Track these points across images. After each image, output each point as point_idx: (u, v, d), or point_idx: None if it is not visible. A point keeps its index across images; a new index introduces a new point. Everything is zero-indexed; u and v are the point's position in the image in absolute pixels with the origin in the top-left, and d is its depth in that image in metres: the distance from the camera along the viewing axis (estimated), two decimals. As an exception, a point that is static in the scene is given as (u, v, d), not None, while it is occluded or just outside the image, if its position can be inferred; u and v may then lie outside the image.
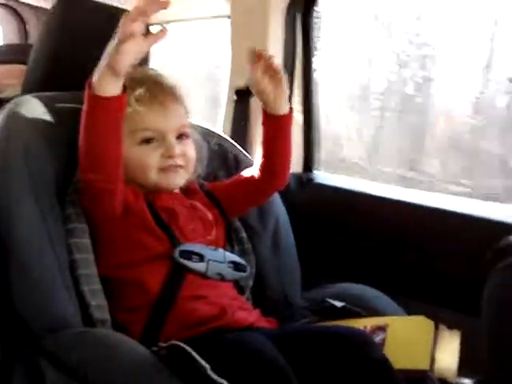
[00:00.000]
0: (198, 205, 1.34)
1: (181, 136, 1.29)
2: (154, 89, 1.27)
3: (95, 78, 1.10)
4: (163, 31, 1.08)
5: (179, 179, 1.30)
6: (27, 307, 1.15)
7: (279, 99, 1.29)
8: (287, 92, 1.29)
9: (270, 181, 1.39)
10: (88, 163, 1.16)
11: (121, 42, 1.05)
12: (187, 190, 1.36)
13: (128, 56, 1.06)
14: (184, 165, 1.29)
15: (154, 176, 1.26)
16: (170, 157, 1.26)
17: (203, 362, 0.98)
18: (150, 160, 1.25)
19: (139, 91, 1.25)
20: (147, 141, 1.25)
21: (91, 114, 1.12)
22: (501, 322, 0.76)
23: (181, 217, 1.28)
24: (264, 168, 1.37)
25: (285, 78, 1.27)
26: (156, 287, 1.19)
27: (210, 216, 1.34)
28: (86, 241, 1.22)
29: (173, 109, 1.28)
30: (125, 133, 1.22)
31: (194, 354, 1.00)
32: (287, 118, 1.32)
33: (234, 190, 1.40)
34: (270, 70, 1.24)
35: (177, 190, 1.34)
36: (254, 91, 1.29)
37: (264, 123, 1.33)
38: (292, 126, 1.35)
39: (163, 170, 1.26)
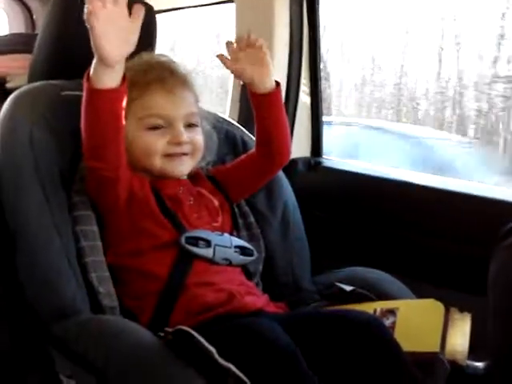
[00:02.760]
0: (204, 192, 1.34)
1: (189, 124, 1.28)
2: (164, 75, 1.26)
3: (91, 69, 1.09)
4: (139, 7, 1.07)
5: (184, 166, 1.29)
6: (36, 295, 1.17)
7: (261, 77, 1.27)
8: (270, 67, 1.27)
9: (270, 161, 1.37)
10: (89, 151, 1.17)
11: (90, 26, 1.05)
12: (194, 177, 1.36)
13: (107, 40, 1.05)
14: (191, 152, 1.28)
15: (158, 162, 1.25)
16: (178, 144, 1.25)
17: (209, 347, 0.98)
18: (156, 146, 1.24)
19: (150, 77, 1.24)
20: (155, 127, 1.25)
21: (88, 105, 1.12)
22: (506, 302, 0.75)
23: (186, 204, 1.28)
24: (262, 148, 1.36)
25: (266, 51, 1.25)
26: (163, 275, 1.19)
27: (215, 202, 1.34)
28: (93, 228, 1.22)
29: (182, 96, 1.27)
30: (133, 118, 1.23)
31: (200, 338, 0.99)
32: (274, 95, 1.30)
33: (237, 174, 1.39)
34: (249, 47, 1.24)
35: (184, 177, 1.33)
36: (232, 73, 1.29)
37: (252, 103, 1.32)
38: (282, 102, 1.32)
39: (168, 156, 1.26)
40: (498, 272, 0.77)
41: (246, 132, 1.57)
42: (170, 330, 1.05)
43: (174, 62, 1.31)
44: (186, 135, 1.26)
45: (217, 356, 0.96)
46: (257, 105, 1.31)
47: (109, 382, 1.02)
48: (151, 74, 1.25)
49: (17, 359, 1.22)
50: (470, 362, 1.25)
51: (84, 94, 1.12)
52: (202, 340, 0.99)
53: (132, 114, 1.22)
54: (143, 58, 1.28)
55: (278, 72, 1.87)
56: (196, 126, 1.30)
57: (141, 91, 1.23)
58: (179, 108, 1.26)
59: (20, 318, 1.19)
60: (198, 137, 1.30)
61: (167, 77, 1.26)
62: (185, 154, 1.28)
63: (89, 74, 1.10)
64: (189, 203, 1.28)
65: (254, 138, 1.57)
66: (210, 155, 1.38)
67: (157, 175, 1.27)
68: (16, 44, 1.95)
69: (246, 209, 1.46)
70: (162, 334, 1.07)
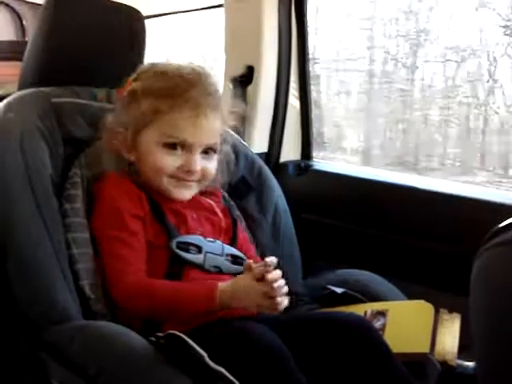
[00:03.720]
0: (216, 208, 1.33)
1: (208, 150, 1.25)
2: (200, 99, 1.20)
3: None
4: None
5: (189, 192, 1.27)
6: (28, 301, 1.16)
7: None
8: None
9: None
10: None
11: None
12: (206, 191, 1.34)
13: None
14: (198, 179, 1.26)
15: (165, 181, 1.23)
16: (188, 172, 1.23)
17: (200, 351, 0.98)
18: (166, 166, 1.22)
19: (185, 94, 1.19)
20: (172, 146, 1.22)
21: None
22: (486, 302, 0.76)
23: (189, 218, 1.26)
24: None
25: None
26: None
27: (223, 224, 1.33)
28: (85, 235, 1.22)
29: (211, 124, 1.23)
30: (154, 129, 1.20)
31: (190, 342, 1.00)
32: None
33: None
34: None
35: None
36: None
37: None
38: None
39: (175, 178, 1.23)
40: (479, 272, 0.78)
41: (237, 137, 1.57)
42: (161, 334, 1.05)
43: (211, 78, 1.25)
44: (200, 164, 1.23)
45: (207, 360, 0.97)
46: None
47: None
48: (187, 91, 1.19)
49: (9, 366, 1.23)
50: (459, 362, 1.26)
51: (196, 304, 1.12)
52: (193, 344, 0.99)
53: (155, 125, 1.20)
54: (179, 67, 1.23)
55: (267, 76, 1.88)
56: (214, 152, 1.27)
57: (172, 106, 1.19)
58: (204, 136, 1.22)
59: (12, 324, 1.19)
60: (211, 165, 1.26)
61: (202, 100, 1.20)
62: (192, 181, 1.26)
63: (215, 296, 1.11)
64: (192, 218, 1.27)
65: (244, 144, 1.58)
66: (228, 176, 1.36)
67: (160, 193, 1.25)
68: (6, 51, 1.95)
69: (238, 213, 1.47)
70: (153, 339, 1.07)
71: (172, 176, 1.23)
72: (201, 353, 0.98)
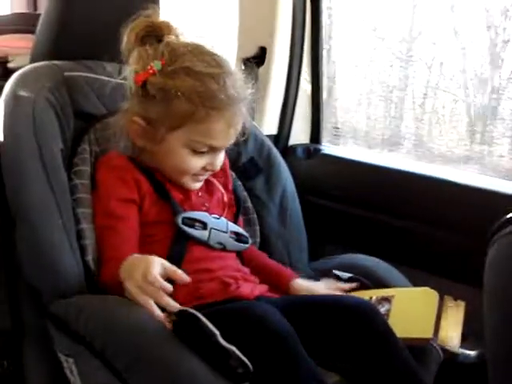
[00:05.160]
0: (217, 184, 1.34)
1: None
2: (232, 108, 1.19)
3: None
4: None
5: (202, 182, 1.29)
6: (36, 274, 1.17)
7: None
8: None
9: None
10: None
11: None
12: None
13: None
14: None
15: (185, 178, 1.25)
16: (210, 171, 1.25)
17: (213, 329, 0.97)
18: (192, 168, 1.22)
19: (219, 104, 1.17)
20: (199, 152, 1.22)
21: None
22: (499, 291, 0.76)
23: (193, 195, 1.28)
24: None
25: None
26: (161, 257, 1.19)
27: (225, 198, 1.34)
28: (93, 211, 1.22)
29: (237, 130, 1.23)
30: (184, 133, 1.19)
31: (204, 320, 0.98)
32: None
33: None
34: None
35: None
36: None
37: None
38: None
39: (195, 175, 1.25)
40: (492, 261, 0.78)
41: (251, 122, 1.56)
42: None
43: (240, 76, 1.23)
44: (221, 161, 1.25)
45: (220, 338, 0.96)
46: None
47: (108, 362, 1.02)
48: (227, 106, 1.17)
49: (13, 337, 1.24)
50: (462, 351, 1.26)
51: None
52: (207, 322, 0.98)
53: (185, 129, 1.18)
54: (214, 63, 1.19)
55: (279, 57, 1.87)
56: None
57: (208, 115, 1.17)
58: (229, 139, 1.23)
59: (17, 295, 1.20)
60: (223, 154, 1.28)
61: (234, 109, 1.19)
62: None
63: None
64: (196, 194, 1.28)
65: (255, 125, 1.57)
66: None
67: (173, 181, 1.26)
68: (18, 24, 1.94)
69: (245, 193, 1.47)
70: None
71: (194, 175, 1.24)
72: (213, 331, 0.97)
